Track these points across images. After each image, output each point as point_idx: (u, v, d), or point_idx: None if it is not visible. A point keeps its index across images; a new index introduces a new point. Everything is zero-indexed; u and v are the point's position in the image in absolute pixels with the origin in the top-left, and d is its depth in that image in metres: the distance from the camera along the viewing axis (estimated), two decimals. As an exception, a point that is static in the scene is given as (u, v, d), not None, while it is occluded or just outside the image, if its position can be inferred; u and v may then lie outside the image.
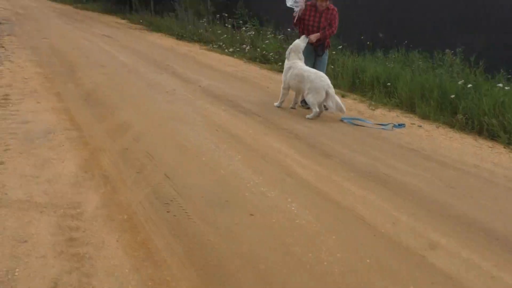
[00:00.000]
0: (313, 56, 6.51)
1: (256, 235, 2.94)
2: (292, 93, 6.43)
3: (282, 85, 6.33)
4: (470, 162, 4.77)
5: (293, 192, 3.59)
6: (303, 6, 6.29)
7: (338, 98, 5.90)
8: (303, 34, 6.40)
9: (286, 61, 6.35)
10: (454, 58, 7.87)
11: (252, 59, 10.92)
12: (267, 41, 11.17)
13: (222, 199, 3.38)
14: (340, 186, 3.79)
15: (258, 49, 10.98)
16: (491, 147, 5.57)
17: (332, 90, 5.83)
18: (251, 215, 3.19)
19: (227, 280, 2.48)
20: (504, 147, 5.58)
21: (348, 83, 8.45)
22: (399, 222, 3.24)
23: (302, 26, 6.45)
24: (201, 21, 14.57)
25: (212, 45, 12.64)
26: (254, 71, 9.51)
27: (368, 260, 2.72)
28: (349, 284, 2.50)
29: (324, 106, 6.19)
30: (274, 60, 10.42)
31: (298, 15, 6.34)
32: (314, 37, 6.28)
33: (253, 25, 12.70)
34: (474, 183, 4.14)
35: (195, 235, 2.89)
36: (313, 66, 6.38)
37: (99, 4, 24.52)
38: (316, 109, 5.90)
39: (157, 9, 20.06)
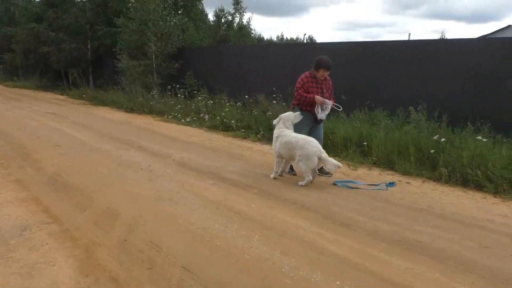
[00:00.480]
0: (311, 122, 6.29)
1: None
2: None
3: (275, 155, 6.01)
4: (482, 217, 4.64)
5: (338, 273, 3.16)
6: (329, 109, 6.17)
7: (331, 158, 5.67)
8: (299, 106, 6.21)
9: (274, 130, 6.10)
10: (419, 115, 8.09)
11: (212, 127, 10.63)
12: (227, 109, 10.99)
13: (264, 292, 2.89)
14: (381, 259, 3.43)
15: (218, 118, 10.74)
16: (484, 198, 5.55)
17: (325, 155, 5.60)
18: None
19: None
20: (495, 197, 5.57)
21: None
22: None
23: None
24: (150, 93, 14.21)
25: (167, 116, 12.24)
26: (220, 140, 9.18)
27: None
28: None
29: (319, 170, 5.97)
30: (236, 128, 10.19)
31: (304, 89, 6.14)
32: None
33: (208, 94, 12.56)
34: (504, 240, 3.96)
35: None
36: (309, 133, 6.16)
37: (31, 81, 23.44)
38: (309, 177, 5.62)
39: (98, 84, 19.50)
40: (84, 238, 3.76)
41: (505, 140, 6.88)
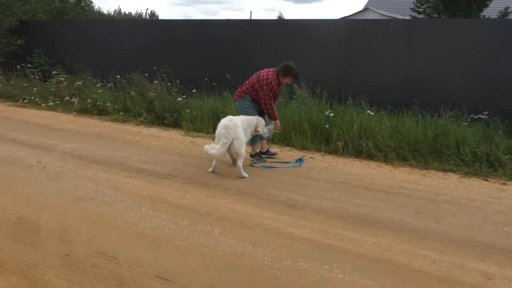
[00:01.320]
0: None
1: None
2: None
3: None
4: (395, 185, 5.11)
5: (318, 257, 3.13)
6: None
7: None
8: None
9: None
10: (306, 91, 8.46)
11: (83, 112, 9.54)
12: (100, 91, 9.94)
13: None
14: (348, 237, 3.51)
15: (89, 101, 9.66)
16: (380, 166, 6.12)
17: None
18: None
19: None
20: (387, 164, 6.19)
21: (211, 126, 8.19)
22: (440, 261, 3.17)
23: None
24: (-8, 74, 12.03)
25: (22, 100, 10.53)
26: (99, 125, 8.30)
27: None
28: None
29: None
30: (113, 110, 9.33)
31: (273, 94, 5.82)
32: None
33: (66, 74, 11.14)
34: (426, 204, 4.43)
35: None
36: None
37: None
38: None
39: None
40: (11, 260, 3.00)
41: (382, 112, 7.63)
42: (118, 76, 10.20)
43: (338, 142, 6.92)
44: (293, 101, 8.45)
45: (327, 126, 7.13)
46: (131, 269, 2.89)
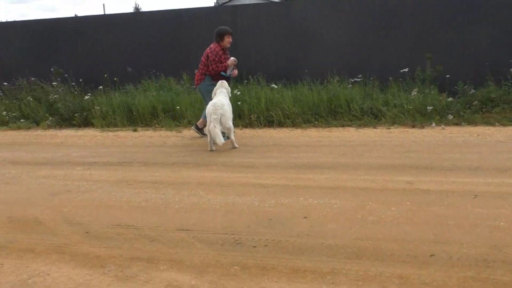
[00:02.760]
0: None
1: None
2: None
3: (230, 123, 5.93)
4: (315, 140, 6.22)
5: (295, 194, 3.99)
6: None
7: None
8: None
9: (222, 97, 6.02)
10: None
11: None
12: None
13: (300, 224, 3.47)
14: (307, 178, 4.44)
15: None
16: (294, 130, 7.21)
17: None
18: (305, 217, 3.48)
19: None
20: (299, 129, 7.30)
21: (125, 117, 8.48)
22: (376, 180, 4.27)
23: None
24: None
25: None
26: (7, 135, 8.01)
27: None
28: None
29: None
30: (10, 119, 8.97)
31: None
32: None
33: None
34: (345, 149, 5.60)
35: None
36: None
37: None
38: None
39: None
40: (38, 246, 3.28)
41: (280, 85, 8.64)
42: (6, 83, 9.69)
43: (251, 116, 7.83)
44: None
45: (239, 103, 7.97)
46: (152, 229, 3.39)
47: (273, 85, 8.24)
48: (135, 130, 7.89)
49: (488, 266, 2.49)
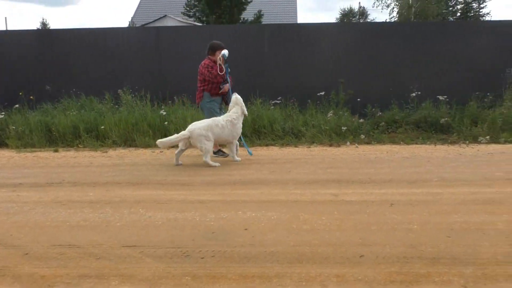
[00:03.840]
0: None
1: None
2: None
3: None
4: (243, 158, 6.53)
5: (223, 209, 4.22)
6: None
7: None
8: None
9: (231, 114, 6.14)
10: (132, 96, 9.14)
11: None
12: None
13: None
14: (243, 193, 4.71)
15: None
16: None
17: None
18: (245, 229, 3.72)
19: None
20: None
21: (43, 137, 8.18)
22: (304, 194, 4.66)
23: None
24: None
25: None
26: None
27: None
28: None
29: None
30: None
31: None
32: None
33: None
34: (257, 166, 5.97)
35: None
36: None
37: None
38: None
39: None
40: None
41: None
42: None
43: (178, 135, 7.93)
44: (120, 107, 8.97)
45: (166, 123, 8.07)
46: (96, 247, 3.35)
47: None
48: (56, 151, 7.61)
49: (407, 262, 2.92)
